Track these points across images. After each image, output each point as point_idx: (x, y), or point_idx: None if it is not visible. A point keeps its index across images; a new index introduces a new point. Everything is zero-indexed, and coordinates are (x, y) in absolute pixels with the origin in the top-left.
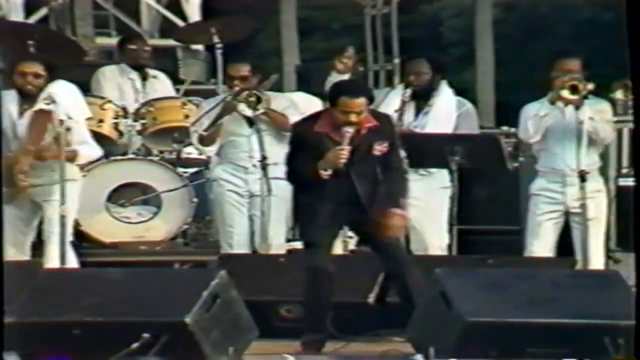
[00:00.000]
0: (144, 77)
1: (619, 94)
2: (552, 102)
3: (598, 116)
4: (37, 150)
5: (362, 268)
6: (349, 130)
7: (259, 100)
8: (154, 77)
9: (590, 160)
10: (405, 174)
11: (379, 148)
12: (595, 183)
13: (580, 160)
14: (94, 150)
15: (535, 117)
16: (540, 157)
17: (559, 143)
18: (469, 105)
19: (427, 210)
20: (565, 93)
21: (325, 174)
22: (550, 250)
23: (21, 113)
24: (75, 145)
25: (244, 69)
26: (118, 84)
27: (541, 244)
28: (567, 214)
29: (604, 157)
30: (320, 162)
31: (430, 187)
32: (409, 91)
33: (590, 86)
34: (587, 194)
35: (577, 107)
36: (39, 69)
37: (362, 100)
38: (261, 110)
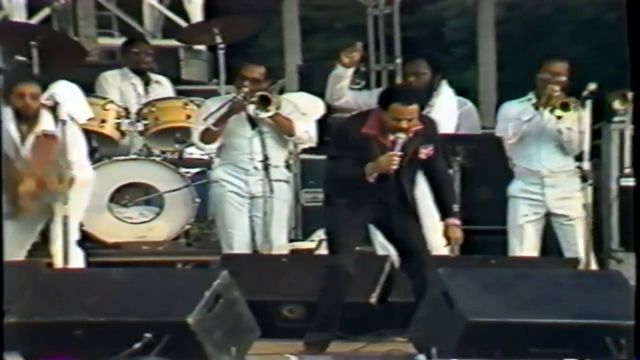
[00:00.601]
0: (147, 82)
1: (617, 104)
2: (537, 107)
3: (575, 126)
4: (41, 179)
5: (364, 268)
6: (402, 137)
7: (269, 102)
8: (157, 82)
9: (567, 161)
10: (451, 178)
11: (425, 152)
12: (573, 184)
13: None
14: (89, 173)
15: (517, 120)
16: (515, 157)
17: (534, 144)
18: (469, 104)
19: (433, 210)
20: (558, 112)
21: (372, 178)
22: (534, 252)
23: (22, 137)
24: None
25: (259, 71)
26: (120, 89)
27: (524, 246)
28: (547, 215)
29: (605, 157)
30: (369, 165)
31: None
32: None
33: (593, 86)
34: (566, 194)
35: (559, 117)
36: (36, 90)
37: (414, 108)
38: (272, 112)
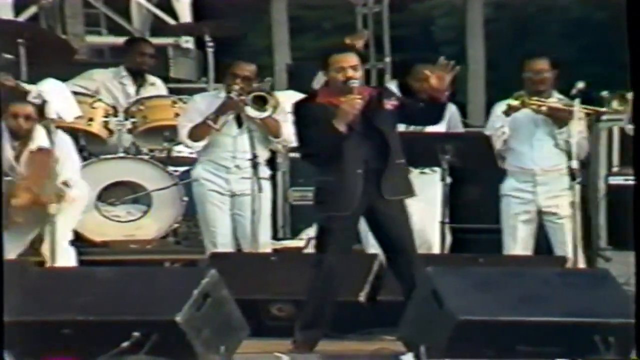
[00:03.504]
0: (141, 84)
1: (615, 105)
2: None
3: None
4: (36, 193)
5: (353, 266)
6: (355, 82)
7: (266, 102)
8: (152, 84)
9: (560, 160)
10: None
11: (391, 103)
12: (563, 182)
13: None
14: (83, 190)
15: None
16: (508, 156)
17: (527, 142)
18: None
19: (429, 207)
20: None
21: (342, 127)
22: (528, 250)
23: (17, 156)
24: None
25: (250, 69)
26: (106, 87)
27: (519, 245)
28: (539, 213)
29: (594, 155)
30: (336, 118)
31: (430, 184)
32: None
33: (581, 85)
34: (557, 193)
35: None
36: (30, 111)
37: (353, 56)
38: (268, 113)
